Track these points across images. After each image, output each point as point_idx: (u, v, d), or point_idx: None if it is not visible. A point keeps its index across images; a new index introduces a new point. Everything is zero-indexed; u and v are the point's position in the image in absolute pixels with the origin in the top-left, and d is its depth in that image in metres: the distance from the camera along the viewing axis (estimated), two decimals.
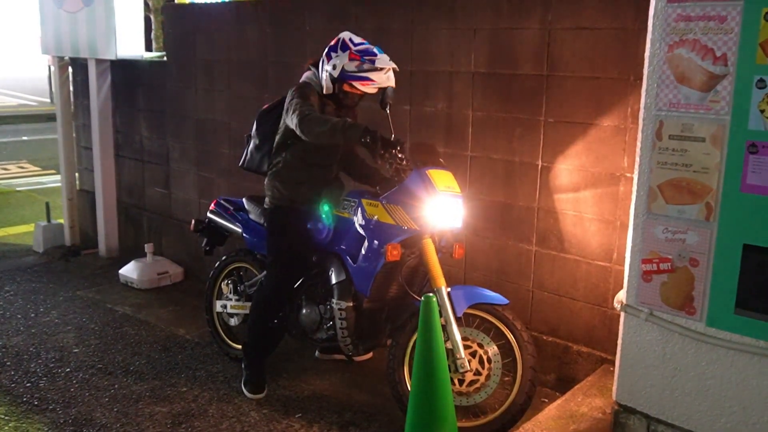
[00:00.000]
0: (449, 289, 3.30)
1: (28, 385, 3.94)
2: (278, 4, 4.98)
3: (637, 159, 2.71)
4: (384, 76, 3.44)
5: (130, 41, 5.90)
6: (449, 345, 3.20)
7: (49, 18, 6.51)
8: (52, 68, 7.07)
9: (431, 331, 2.70)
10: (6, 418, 3.58)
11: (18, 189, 9.74)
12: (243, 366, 3.87)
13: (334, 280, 3.63)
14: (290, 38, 4.86)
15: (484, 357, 3.30)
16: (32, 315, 5.00)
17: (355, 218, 3.58)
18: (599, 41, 3.43)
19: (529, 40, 3.67)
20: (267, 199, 3.85)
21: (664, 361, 2.72)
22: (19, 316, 4.97)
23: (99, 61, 6.17)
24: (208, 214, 4.37)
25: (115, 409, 3.65)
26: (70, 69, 6.78)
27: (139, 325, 4.81)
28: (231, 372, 4.07)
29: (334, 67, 3.46)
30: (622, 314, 2.84)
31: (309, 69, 3.70)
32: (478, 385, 3.29)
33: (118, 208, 6.50)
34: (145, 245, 5.69)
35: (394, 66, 3.48)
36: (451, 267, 4.15)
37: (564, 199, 3.66)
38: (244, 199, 4.20)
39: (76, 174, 6.91)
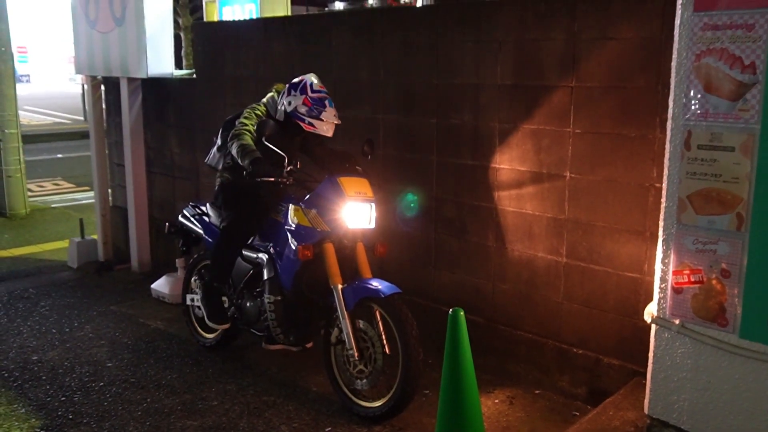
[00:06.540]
0: (343, 286, 3.67)
1: (63, 399, 4.01)
2: (305, 20, 5.04)
3: (666, 169, 2.68)
4: (324, 127, 3.95)
5: (160, 59, 6.00)
6: (342, 337, 3.66)
7: (82, 38, 6.65)
8: (86, 87, 7.20)
9: (458, 346, 2.70)
10: None
11: (53, 206, 9.92)
12: (203, 305, 4.32)
13: (265, 277, 4.05)
14: (317, 54, 4.91)
15: (370, 348, 3.62)
16: (67, 330, 5.09)
17: (284, 221, 3.99)
18: (626, 51, 3.41)
19: (556, 51, 3.66)
20: (217, 187, 4.33)
21: (697, 374, 2.68)
22: (54, 331, 5.06)
23: (131, 80, 6.28)
24: (179, 218, 4.80)
25: (148, 423, 3.70)
26: (102, 87, 6.91)
27: (171, 340, 4.87)
28: (262, 385, 4.09)
29: (290, 104, 4.01)
30: (653, 327, 2.80)
31: (273, 91, 4.20)
32: (366, 373, 3.63)
33: (150, 224, 6.60)
34: (177, 260, 5.76)
35: (336, 122, 3.98)
36: (480, 279, 4.14)
37: (593, 210, 3.63)
38: (208, 204, 4.59)
39: (109, 190, 7.03)
